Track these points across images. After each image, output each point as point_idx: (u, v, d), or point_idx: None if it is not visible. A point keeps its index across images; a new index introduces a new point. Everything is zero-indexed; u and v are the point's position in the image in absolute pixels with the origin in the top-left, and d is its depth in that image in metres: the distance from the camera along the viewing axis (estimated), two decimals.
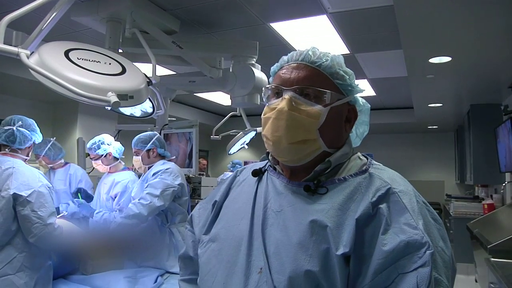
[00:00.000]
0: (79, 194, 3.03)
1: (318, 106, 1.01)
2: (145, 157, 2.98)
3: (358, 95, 1.11)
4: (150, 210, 2.62)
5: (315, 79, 1.03)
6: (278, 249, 0.94)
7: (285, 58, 1.09)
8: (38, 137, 2.47)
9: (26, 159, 2.40)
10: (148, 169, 2.97)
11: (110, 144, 3.25)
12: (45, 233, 2.14)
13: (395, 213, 0.90)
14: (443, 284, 0.84)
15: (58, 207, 2.96)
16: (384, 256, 0.85)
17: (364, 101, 1.14)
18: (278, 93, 1.05)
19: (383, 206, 0.91)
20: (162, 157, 3.02)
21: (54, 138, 3.59)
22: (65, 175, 3.72)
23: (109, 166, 3.28)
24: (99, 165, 3.29)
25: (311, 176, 1.02)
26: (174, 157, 3.37)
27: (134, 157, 3.01)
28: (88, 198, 3.06)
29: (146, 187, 2.72)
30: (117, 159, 3.31)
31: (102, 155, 3.23)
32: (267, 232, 0.98)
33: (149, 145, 2.95)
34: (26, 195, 2.12)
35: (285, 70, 1.06)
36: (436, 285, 0.82)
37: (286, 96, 1.01)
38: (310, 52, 1.05)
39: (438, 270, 0.84)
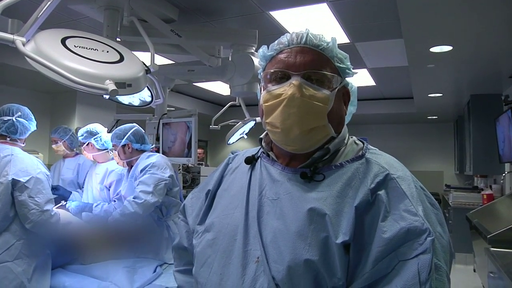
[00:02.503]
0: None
1: (326, 90, 0.99)
2: (121, 152, 2.85)
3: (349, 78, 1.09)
4: (145, 208, 2.58)
5: (320, 63, 1.01)
6: (276, 238, 0.92)
7: (283, 41, 1.04)
8: (34, 126, 2.46)
9: (22, 146, 2.41)
10: (128, 164, 2.89)
11: (96, 133, 3.19)
12: (41, 219, 2.16)
13: (394, 199, 0.89)
14: (442, 269, 0.84)
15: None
16: (384, 243, 0.85)
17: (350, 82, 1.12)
18: (282, 78, 1.01)
19: (381, 192, 0.90)
20: (142, 150, 2.90)
21: (75, 128, 3.69)
22: (74, 164, 3.80)
23: (92, 155, 3.23)
24: (84, 152, 3.29)
25: (308, 162, 1.00)
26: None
27: (113, 151, 2.91)
28: (66, 193, 3.10)
29: (137, 185, 2.65)
30: (102, 149, 3.22)
31: (84, 143, 3.19)
32: (263, 221, 0.97)
33: (123, 140, 2.81)
34: (24, 181, 2.15)
35: (286, 53, 1.02)
36: (435, 270, 0.82)
37: (295, 81, 0.97)
38: (311, 35, 1.02)
39: (437, 256, 0.84)
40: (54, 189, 3.14)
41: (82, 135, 3.19)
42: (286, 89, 0.98)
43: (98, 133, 3.20)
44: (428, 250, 0.82)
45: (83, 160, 3.78)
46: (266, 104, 1.02)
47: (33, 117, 2.46)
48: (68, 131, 3.79)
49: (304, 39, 1.01)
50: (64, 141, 3.75)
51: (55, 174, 3.78)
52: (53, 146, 3.78)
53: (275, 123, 0.99)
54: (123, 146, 2.84)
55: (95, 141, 3.18)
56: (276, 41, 1.06)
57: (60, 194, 3.11)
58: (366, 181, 0.93)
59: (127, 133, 2.84)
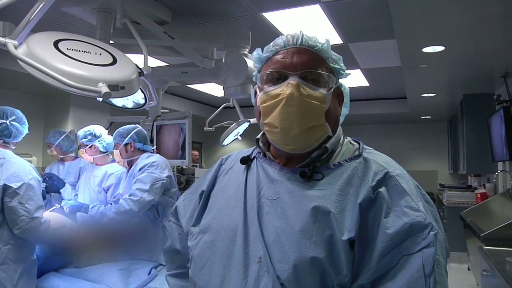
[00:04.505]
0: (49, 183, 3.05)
1: (322, 89, 1.00)
2: (123, 151, 2.90)
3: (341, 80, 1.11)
4: (141, 206, 2.60)
5: (316, 63, 1.02)
6: (279, 238, 0.92)
7: (278, 42, 1.05)
8: (26, 129, 2.45)
9: (13, 149, 2.39)
10: (128, 163, 2.93)
11: (100, 136, 3.20)
12: (30, 226, 2.14)
13: (395, 196, 0.91)
14: (442, 264, 0.86)
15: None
16: (388, 239, 0.86)
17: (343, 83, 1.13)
18: (278, 79, 1.01)
19: (382, 190, 0.92)
20: (143, 150, 2.96)
21: (69, 130, 3.62)
22: (75, 168, 3.75)
23: (92, 157, 3.22)
24: (83, 154, 3.28)
25: (306, 162, 1.01)
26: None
27: (114, 150, 2.96)
28: (60, 184, 3.09)
29: (134, 183, 2.68)
30: (103, 152, 3.23)
31: (87, 145, 3.19)
32: (263, 221, 0.96)
33: (126, 139, 2.88)
34: (15, 187, 2.12)
35: (283, 54, 1.03)
36: (436, 265, 0.84)
37: (293, 81, 0.98)
38: (305, 36, 1.03)
39: (437, 251, 0.85)
40: (49, 178, 3.11)
41: (85, 138, 3.18)
42: (284, 89, 0.99)
43: (100, 135, 3.22)
44: (432, 244, 0.84)
45: (84, 163, 3.73)
46: (263, 105, 1.02)
47: (26, 120, 2.44)
48: (58, 135, 3.68)
49: (300, 40, 1.03)
50: (55, 145, 3.66)
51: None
52: (48, 150, 3.74)
53: (274, 123, 1.00)
54: (126, 145, 2.90)
55: (99, 143, 3.19)
56: (271, 43, 1.07)
57: (54, 185, 3.08)
58: (366, 179, 0.94)
59: (131, 132, 2.91)
